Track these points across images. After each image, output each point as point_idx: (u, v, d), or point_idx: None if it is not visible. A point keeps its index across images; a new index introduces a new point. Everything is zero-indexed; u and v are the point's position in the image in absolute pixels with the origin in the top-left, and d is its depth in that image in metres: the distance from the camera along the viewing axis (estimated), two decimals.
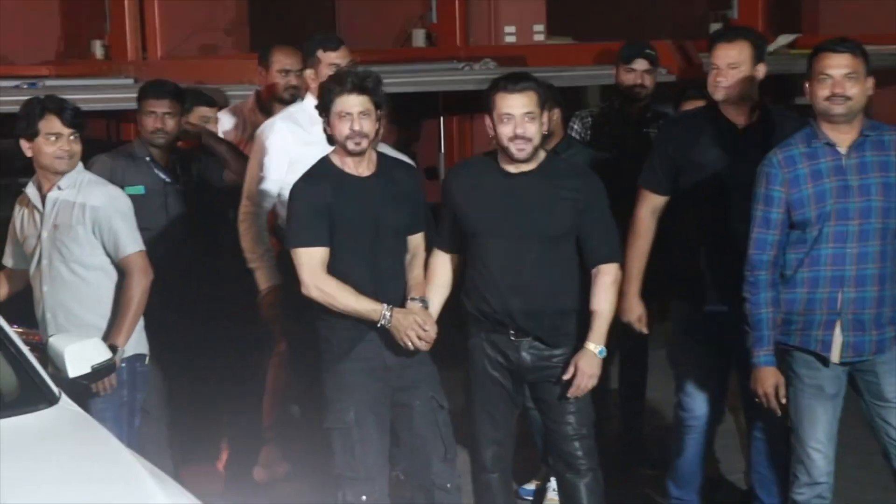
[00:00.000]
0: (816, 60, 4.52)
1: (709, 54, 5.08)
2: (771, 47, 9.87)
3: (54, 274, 5.11)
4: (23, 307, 5.28)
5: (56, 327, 5.07)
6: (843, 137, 4.52)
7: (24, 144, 5.10)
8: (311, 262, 4.71)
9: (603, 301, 4.81)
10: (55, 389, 4.19)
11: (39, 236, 5.13)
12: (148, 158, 5.80)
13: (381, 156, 4.91)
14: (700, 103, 5.74)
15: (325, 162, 4.84)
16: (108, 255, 5.14)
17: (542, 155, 4.81)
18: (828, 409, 4.68)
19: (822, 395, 4.66)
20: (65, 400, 4.18)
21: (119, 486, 3.71)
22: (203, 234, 5.92)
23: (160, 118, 5.73)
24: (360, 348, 4.79)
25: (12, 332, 4.39)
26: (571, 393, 4.78)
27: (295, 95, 6.32)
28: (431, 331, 4.76)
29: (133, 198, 5.39)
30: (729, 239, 4.98)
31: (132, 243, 5.14)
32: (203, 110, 6.24)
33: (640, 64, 6.30)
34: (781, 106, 5.16)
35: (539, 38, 11.60)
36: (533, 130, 4.68)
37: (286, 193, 5.04)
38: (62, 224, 5.10)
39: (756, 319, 4.63)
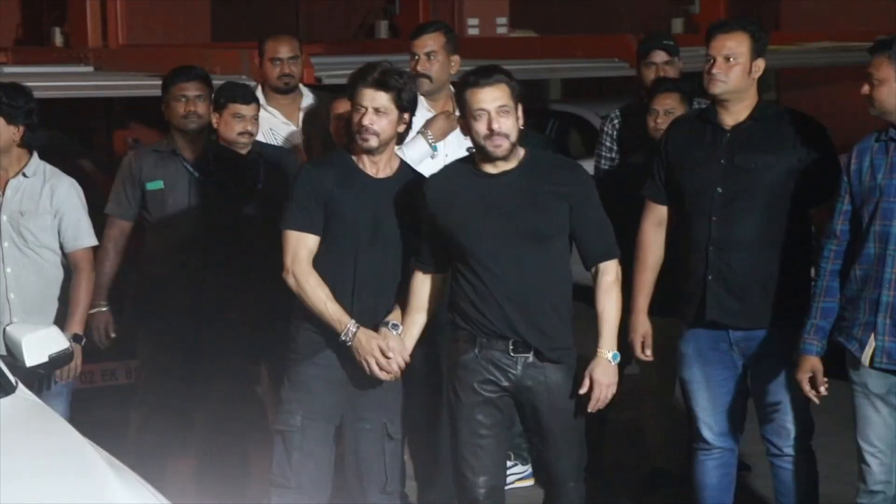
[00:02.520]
0: None
1: (706, 45, 4.82)
2: None
3: (19, 256, 5.22)
4: None
5: (21, 307, 5.17)
6: None
7: None
8: (296, 247, 4.58)
9: (607, 302, 4.51)
10: (11, 379, 4.13)
11: None
12: (173, 151, 5.51)
13: (403, 165, 4.73)
14: (674, 97, 5.66)
15: (342, 152, 4.73)
16: (61, 243, 5.28)
17: (521, 151, 4.52)
18: (880, 412, 4.50)
19: (868, 394, 4.50)
20: (21, 389, 4.12)
21: (77, 477, 3.64)
22: (223, 238, 5.49)
23: (191, 101, 5.44)
24: (324, 354, 4.62)
25: None
26: (591, 407, 4.48)
27: (289, 84, 6.24)
28: (395, 361, 4.54)
29: (153, 193, 5.42)
30: (727, 248, 4.77)
31: (89, 237, 5.32)
32: (237, 107, 5.72)
33: (659, 56, 6.13)
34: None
35: (502, 30, 11.60)
36: (509, 125, 4.41)
37: None
38: (27, 211, 5.22)
39: (812, 307, 4.55)
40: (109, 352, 5.84)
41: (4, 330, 4.41)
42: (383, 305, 4.65)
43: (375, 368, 4.53)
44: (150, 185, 5.46)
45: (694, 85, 6.01)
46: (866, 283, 4.45)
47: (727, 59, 4.74)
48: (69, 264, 5.32)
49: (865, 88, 4.44)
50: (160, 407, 5.49)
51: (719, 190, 4.79)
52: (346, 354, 4.58)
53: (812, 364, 4.57)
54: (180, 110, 5.45)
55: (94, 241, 5.36)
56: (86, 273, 5.31)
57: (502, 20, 11.53)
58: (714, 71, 4.75)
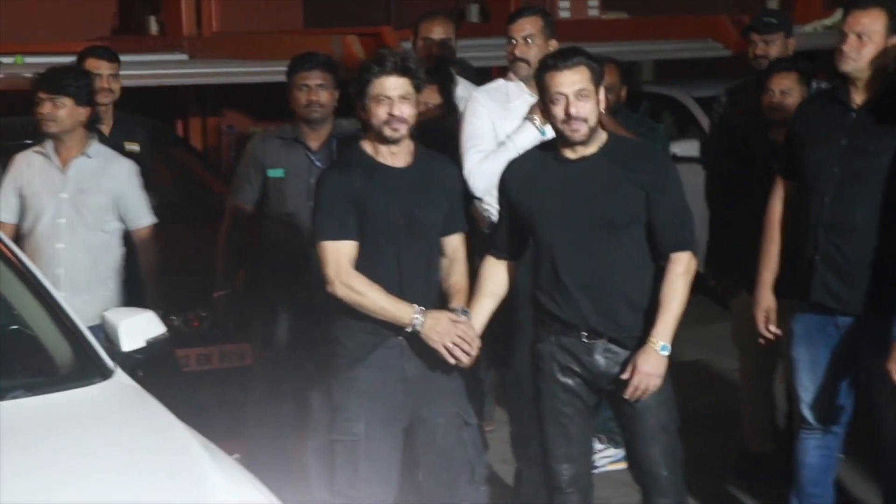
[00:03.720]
0: None
1: (842, 21, 4.72)
2: (829, 21, 9.70)
3: (74, 233, 5.45)
4: None
5: (69, 283, 5.36)
6: None
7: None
8: (336, 256, 4.38)
9: (669, 292, 4.36)
10: (109, 363, 4.17)
11: (57, 196, 5.45)
12: (296, 139, 5.50)
13: (419, 146, 4.56)
14: (792, 76, 5.57)
15: (356, 149, 4.52)
16: (122, 222, 5.58)
17: (603, 136, 4.42)
18: None
19: None
20: (119, 374, 4.15)
21: (172, 464, 3.65)
22: None
23: (313, 91, 5.41)
24: (378, 354, 4.43)
25: (67, 306, 4.37)
26: (627, 395, 4.35)
27: (441, 63, 6.14)
28: (474, 344, 4.41)
29: (273, 181, 5.47)
30: (838, 230, 4.70)
31: (148, 216, 5.62)
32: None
33: (755, 36, 6.12)
34: None
35: (593, 13, 11.52)
36: (588, 109, 4.30)
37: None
38: (88, 189, 5.49)
39: None
40: (227, 334, 5.99)
41: (103, 315, 4.46)
42: (431, 293, 4.52)
43: (457, 351, 4.38)
44: (272, 173, 5.49)
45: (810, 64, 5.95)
46: None
47: (860, 36, 4.63)
48: (123, 246, 5.58)
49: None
50: (273, 392, 5.57)
51: (836, 170, 4.70)
52: (400, 352, 4.44)
53: None
54: (302, 100, 5.43)
55: (153, 220, 5.62)
56: (150, 249, 5.58)
57: (594, 2, 11.43)
58: (845, 48, 4.65)
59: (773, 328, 5.02)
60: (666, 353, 4.37)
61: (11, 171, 5.60)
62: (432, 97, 5.82)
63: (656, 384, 4.36)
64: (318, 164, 5.40)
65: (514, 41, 5.41)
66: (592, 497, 4.67)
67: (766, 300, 4.99)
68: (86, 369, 4.11)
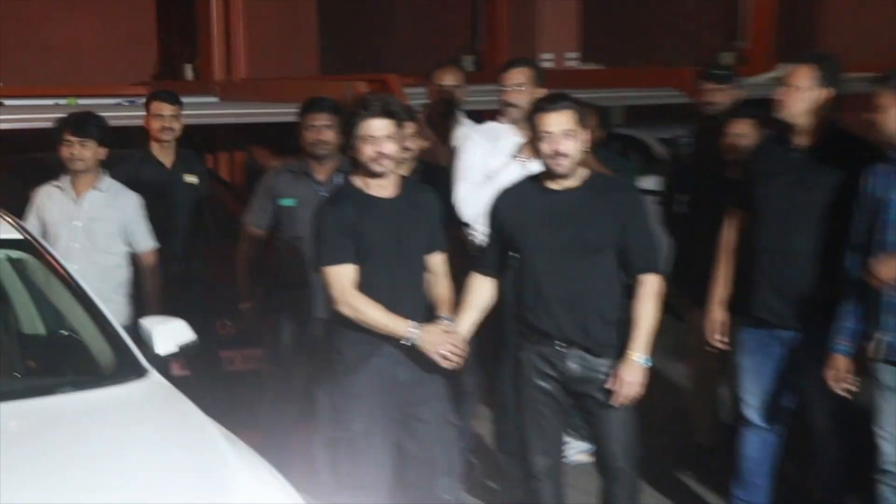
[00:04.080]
0: None
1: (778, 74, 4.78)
2: (774, 73, 9.75)
3: (86, 256, 5.55)
4: None
5: None
6: None
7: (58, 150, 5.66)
8: (339, 279, 4.38)
9: (642, 310, 4.41)
10: (145, 364, 4.19)
11: (71, 224, 5.58)
12: (305, 173, 5.51)
13: (404, 179, 4.56)
14: (747, 122, 5.60)
15: (348, 185, 4.49)
16: (128, 246, 5.69)
17: (585, 172, 4.48)
18: (889, 401, 4.42)
19: (880, 386, 4.43)
20: (154, 374, 4.17)
21: (200, 455, 3.66)
22: None
23: (320, 130, 5.45)
24: (373, 362, 4.43)
25: (107, 311, 4.40)
26: (614, 401, 4.41)
27: (450, 106, 6.15)
28: (461, 348, 4.43)
29: (285, 209, 5.51)
30: (781, 255, 4.72)
31: (151, 240, 5.74)
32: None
33: (708, 85, 6.15)
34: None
35: (572, 63, 11.59)
36: (570, 147, 4.36)
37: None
38: (100, 217, 5.61)
39: (841, 311, 4.50)
40: (245, 339, 6.06)
41: (139, 322, 4.50)
42: (420, 306, 4.52)
43: (448, 356, 4.39)
44: (283, 202, 5.51)
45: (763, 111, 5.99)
46: (873, 286, 4.37)
47: (796, 88, 4.67)
48: (127, 267, 5.69)
49: (872, 115, 4.37)
50: (280, 391, 5.61)
51: (781, 203, 4.74)
52: (393, 359, 4.44)
53: (840, 363, 4.51)
54: (310, 138, 5.47)
55: (155, 244, 5.75)
56: (153, 268, 5.72)
57: (572, 55, 11.51)
58: (781, 97, 4.70)
59: (721, 338, 5.07)
60: (647, 364, 4.42)
61: (34, 203, 5.72)
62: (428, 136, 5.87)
63: (637, 391, 4.41)
64: (323, 194, 5.38)
65: (506, 88, 5.45)
66: (562, 484, 4.71)
67: (718, 314, 5.04)
68: (124, 369, 4.13)
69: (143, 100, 9.54)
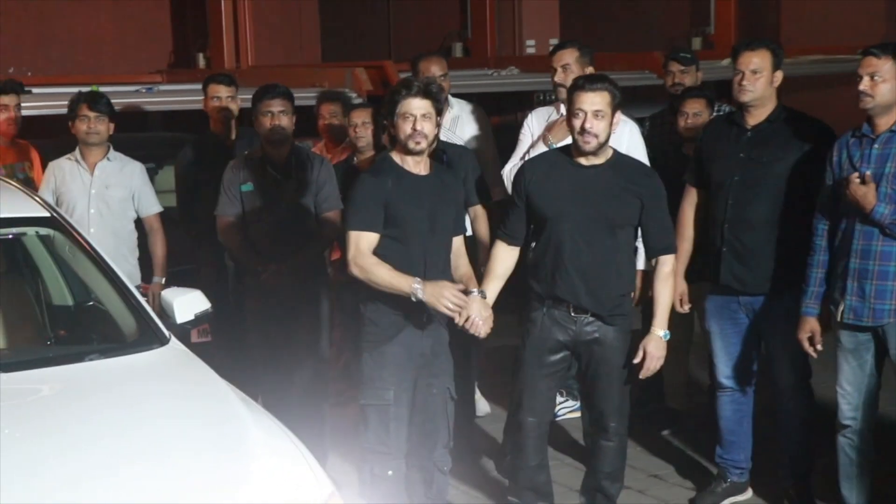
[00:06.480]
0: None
1: (734, 61, 4.68)
2: (725, 62, 9.69)
3: (101, 220, 5.67)
4: None
5: None
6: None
7: (71, 125, 5.74)
8: (357, 243, 4.24)
9: (663, 288, 4.42)
10: (166, 332, 4.16)
11: (88, 192, 5.67)
12: (261, 158, 5.25)
13: (434, 160, 4.46)
14: (701, 102, 5.58)
15: (386, 159, 4.37)
16: (136, 210, 5.80)
17: (610, 151, 4.37)
18: (850, 363, 4.44)
19: (842, 348, 4.45)
20: (174, 341, 4.15)
21: (214, 406, 3.66)
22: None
23: (275, 116, 5.21)
24: (404, 334, 4.32)
25: (130, 283, 4.36)
26: (642, 374, 4.39)
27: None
28: (487, 325, 4.26)
29: (246, 193, 5.25)
30: (739, 225, 4.69)
31: (156, 205, 5.84)
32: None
33: (674, 66, 6.10)
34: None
35: None
36: (599, 127, 4.23)
37: None
38: (112, 184, 5.72)
39: (810, 276, 4.49)
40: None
41: (160, 295, 4.47)
42: (447, 277, 4.39)
43: (451, 305, 4.18)
44: (244, 188, 5.27)
45: (714, 92, 5.92)
46: (840, 253, 4.37)
47: (753, 72, 4.62)
48: (138, 230, 5.80)
49: (866, 83, 4.27)
50: (263, 364, 5.32)
51: (736, 178, 4.70)
52: (421, 332, 4.35)
53: (811, 325, 4.50)
54: (266, 124, 5.22)
55: (160, 208, 5.85)
56: (158, 232, 5.80)
57: (554, 40, 11.44)
58: (744, 83, 4.63)
59: (686, 307, 5.04)
60: (667, 338, 4.42)
61: (46, 177, 5.80)
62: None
63: (661, 363, 4.43)
64: (279, 176, 5.23)
65: (555, 69, 5.34)
66: (546, 440, 4.65)
67: (679, 285, 4.96)
68: (147, 337, 4.11)
69: (159, 87, 9.53)
